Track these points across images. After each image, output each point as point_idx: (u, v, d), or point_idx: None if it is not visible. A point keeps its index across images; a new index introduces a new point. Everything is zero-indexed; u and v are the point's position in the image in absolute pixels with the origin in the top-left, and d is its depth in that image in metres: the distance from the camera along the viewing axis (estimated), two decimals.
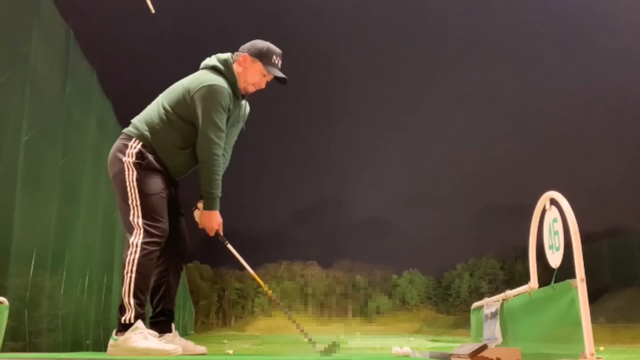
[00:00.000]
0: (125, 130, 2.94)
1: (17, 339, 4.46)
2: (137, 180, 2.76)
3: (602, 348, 15.83)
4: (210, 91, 2.78)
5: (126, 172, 2.77)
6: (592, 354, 1.75)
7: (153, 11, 2.46)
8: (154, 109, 2.91)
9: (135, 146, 2.82)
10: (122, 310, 2.61)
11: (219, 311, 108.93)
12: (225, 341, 26.83)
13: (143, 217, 2.70)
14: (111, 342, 2.58)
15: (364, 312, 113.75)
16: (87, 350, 6.44)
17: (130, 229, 2.73)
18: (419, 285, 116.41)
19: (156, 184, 2.79)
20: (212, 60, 2.98)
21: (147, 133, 2.84)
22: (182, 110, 2.83)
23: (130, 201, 2.73)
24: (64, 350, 5.60)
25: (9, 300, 3.01)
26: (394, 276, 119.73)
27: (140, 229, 2.69)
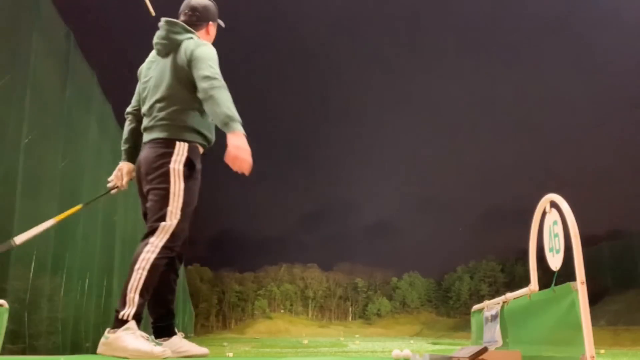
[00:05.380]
0: None
1: (17, 341, 4.45)
2: None
3: (602, 351, 15.82)
4: None
5: None
6: (593, 357, 1.75)
7: (153, 14, 2.48)
8: None
9: None
10: (123, 304, 2.55)
11: (219, 314, 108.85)
12: (225, 344, 26.82)
13: None
14: (103, 340, 2.53)
15: (364, 315, 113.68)
16: (87, 352, 6.43)
17: None
18: (419, 287, 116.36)
19: None
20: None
21: None
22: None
23: None
24: (64, 352, 5.60)
25: (8, 303, 3.00)
26: (394, 279, 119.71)
27: None
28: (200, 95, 2.69)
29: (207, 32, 3.07)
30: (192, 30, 2.92)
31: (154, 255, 2.57)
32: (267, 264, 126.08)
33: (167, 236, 2.62)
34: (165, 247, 2.61)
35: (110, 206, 7.97)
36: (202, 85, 2.66)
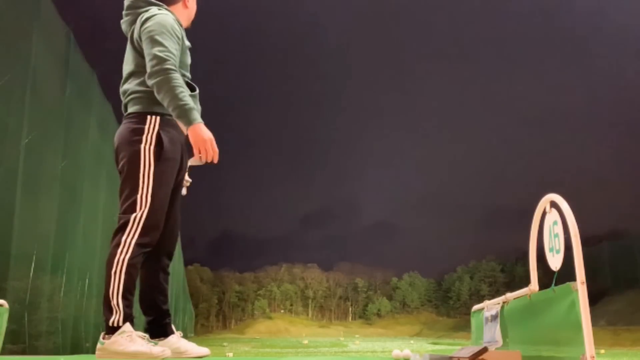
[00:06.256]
0: None
1: (17, 341, 4.45)
2: None
3: (602, 351, 15.84)
4: None
5: None
6: (593, 357, 1.75)
7: None
8: None
9: None
10: (109, 311, 2.44)
11: (219, 314, 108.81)
12: (225, 344, 26.83)
13: None
14: (99, 345, 2.46)
15: (364, 315, 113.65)
16: (86, 352, 6.43)
17: None
18: (420, 288, 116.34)
19: None
20: None
21: None
22: None
23: None
24: (64, 352, 5.60)
25: (8, 303, 3.00)
26: (395, 279, 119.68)
27: None
28: (146, 77, 2.50)
29: (185, 5, 2.83)
30: (159, 3, 2.70)
31: (128, 256, 2.43)
32: (267, 264, 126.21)
33: (138, 230, 2.46)
34: (138, 245, 2.45)
35: (110, 206, 7.97)
36: (147, 66, 2.48)
